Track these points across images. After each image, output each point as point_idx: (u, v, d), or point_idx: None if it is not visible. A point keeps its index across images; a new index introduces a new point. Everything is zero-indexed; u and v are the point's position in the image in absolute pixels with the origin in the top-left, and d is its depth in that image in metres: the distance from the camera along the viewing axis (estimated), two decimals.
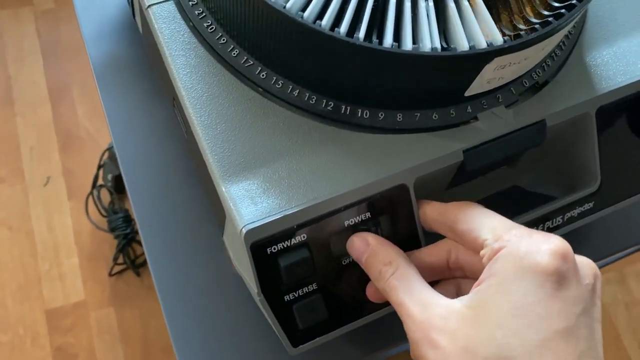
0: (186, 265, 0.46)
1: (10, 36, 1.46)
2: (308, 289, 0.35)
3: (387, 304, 0.35)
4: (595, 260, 0.32)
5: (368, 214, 0.35)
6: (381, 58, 0.32)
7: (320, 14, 0.33)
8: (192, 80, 0.37)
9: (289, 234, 0.34)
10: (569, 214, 0.42)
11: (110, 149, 1.22)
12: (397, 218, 0.36)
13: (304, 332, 0.36)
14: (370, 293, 0.36)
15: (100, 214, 1.20)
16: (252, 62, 0.37)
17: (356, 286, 0.36)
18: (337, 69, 0.34)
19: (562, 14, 0.33)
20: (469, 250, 0.33)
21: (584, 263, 0.30)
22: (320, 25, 0.32)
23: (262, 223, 0.33)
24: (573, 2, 0.34)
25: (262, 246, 0.34)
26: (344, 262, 0.36)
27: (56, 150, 1.33)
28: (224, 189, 0.35)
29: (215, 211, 0.40)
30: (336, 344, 0.44)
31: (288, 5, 0.32)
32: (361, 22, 0.32)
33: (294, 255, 0.34)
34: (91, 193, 1.21)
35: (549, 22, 0.33)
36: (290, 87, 0.36)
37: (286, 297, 0.35)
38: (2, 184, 1.28)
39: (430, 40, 0.33)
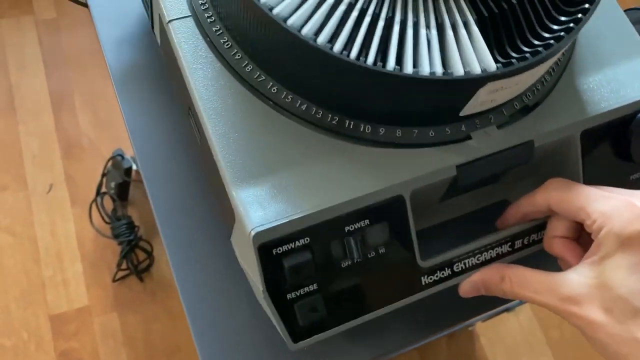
0: (207, 267, 0.48)
1: (12, 45, 1.47)
2: (309, 288, 0.38)
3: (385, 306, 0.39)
4: None
5: (367, 221, 0.38)
6: (384, 79, 0.35)
7: (331, 38, 0.36)
8: (208, 93, 0.40)
9: (294, 237, 0.36)
10: None
11: (113, 158, 1.24)
12: (393, 226, 0.39)
13: (304, 329, 0.38)
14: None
15: (104, 220, 1.22)
16: (264, 78, 0.40)
17: (354, 288, 0.39)
18: (344, 88, 0.37)
19: (550, 45, 0.36)
20: None
21: None
22: (332, 50, 0.35)
23: (270, 226, 0.36)
24: (561, 34, 0.37)
25: (268, 247, 0.36)
26: (343, 264, 0.38)
27: (59, 158, 1.34)
28: (234, 194, 0.37)
29: (223, 215, 0.42)
30: (340, 348, 0.46)
31: (304, 31, 0.35)
32: (370, 47, 0.35)
33: (298, 257, 0.37)
34: (95, 200, 1.22)
35: (539, 52, 0.36)
36: (299, 101, 0.39)
37: (289, 296, 0.37)
38: (5, 191, 1.29)
39: (429, 65, 0.36)
